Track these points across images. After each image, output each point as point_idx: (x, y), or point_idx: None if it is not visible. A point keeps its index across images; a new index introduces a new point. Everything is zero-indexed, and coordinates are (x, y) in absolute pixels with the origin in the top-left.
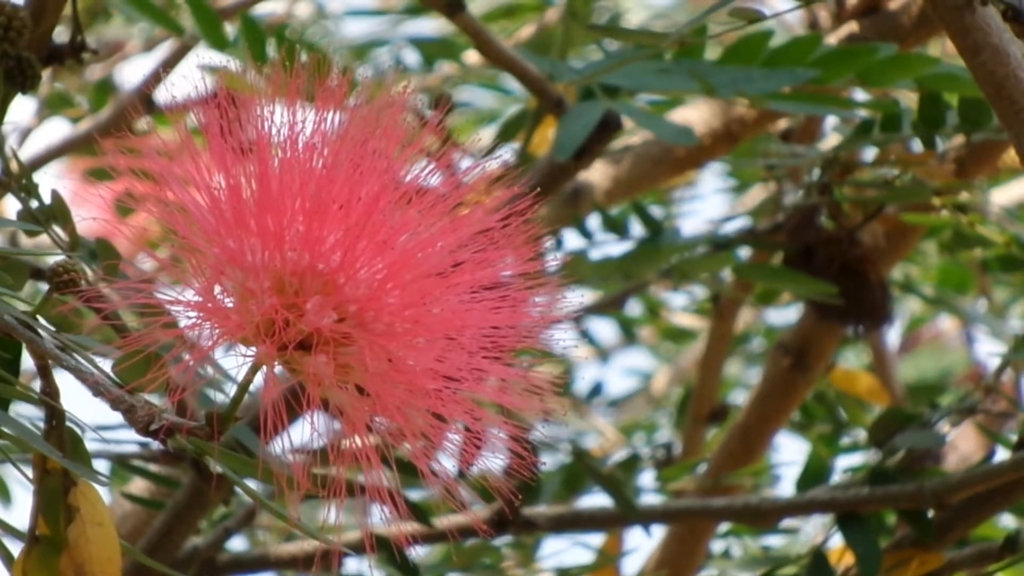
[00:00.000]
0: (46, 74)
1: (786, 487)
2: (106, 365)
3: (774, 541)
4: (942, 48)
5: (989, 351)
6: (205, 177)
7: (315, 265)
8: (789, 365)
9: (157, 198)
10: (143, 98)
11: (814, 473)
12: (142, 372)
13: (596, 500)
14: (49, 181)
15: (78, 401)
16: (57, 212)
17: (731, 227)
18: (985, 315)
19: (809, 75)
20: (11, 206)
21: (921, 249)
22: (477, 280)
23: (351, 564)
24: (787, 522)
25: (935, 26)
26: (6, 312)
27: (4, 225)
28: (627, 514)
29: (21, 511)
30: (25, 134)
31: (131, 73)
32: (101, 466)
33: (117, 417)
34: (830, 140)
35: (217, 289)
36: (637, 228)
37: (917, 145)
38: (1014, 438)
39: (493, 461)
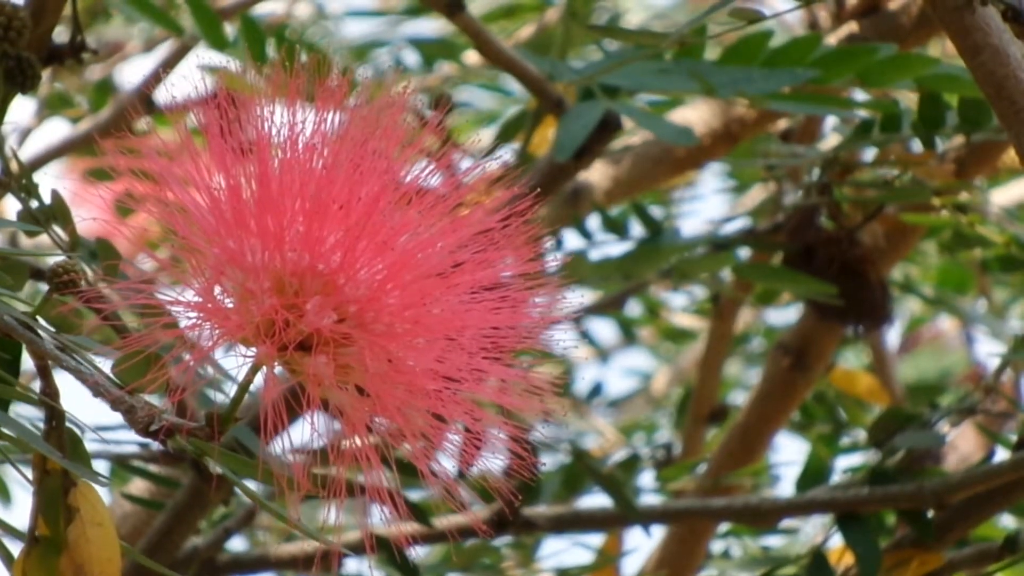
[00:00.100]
0: (46, 74)
1: (786, 487)
2: (106, 366)
3: (774, 541)
4: (942, 48)
5: (989, 351)
6: (205, 177)
7: (315, 265)
8: (789, 365)
9: (157, 198)
10: (143, 98)
11: (814, 473)
12: (142, 373)
13: (596, 500)
14: (49, 181)
15: (78, 401)
16: (57, 212)
17: (731, 227)
18: (985, 315)
19: (809, 75)
20: (11, 206)
21: (921, 249)
22: (477, 280)
23: (351, 564)
24: (787, 522)
25: (935, 26)
26: (6, 312)
27: (4, 225)
28: (627, 514)
29: (21, 511)
30: (25, 134)
31: (131, 73)
32: (101, 467)
33: (117, 417)
34: (830, 140)
35: (217, 289)
36: (637, 228)
37: (917, 145)
38: (1014, 438)
39: (493, 461)
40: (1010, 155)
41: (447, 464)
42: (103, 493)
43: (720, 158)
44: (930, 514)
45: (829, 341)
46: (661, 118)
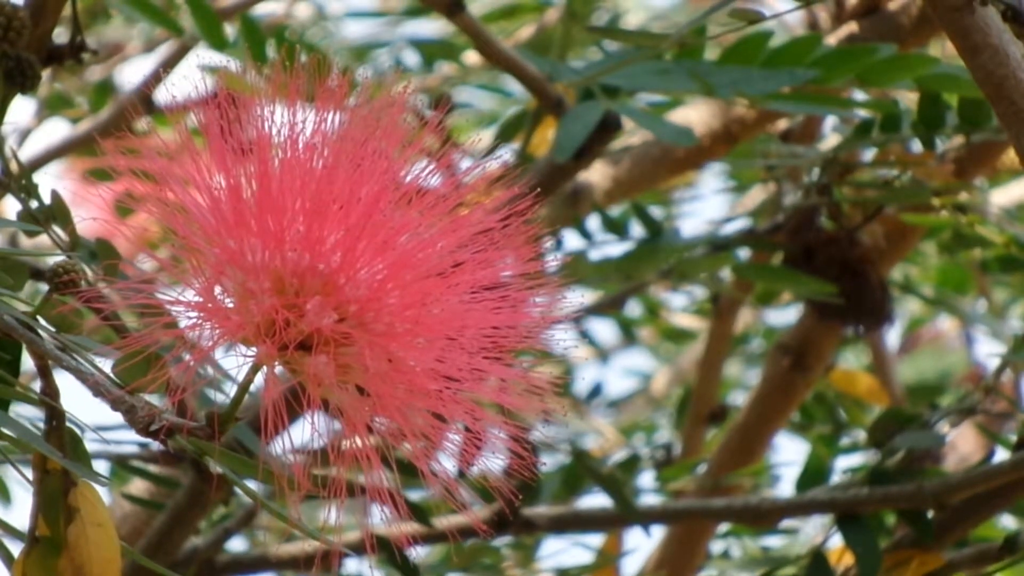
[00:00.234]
0: (46, 74)
1: (786, 487)
2: (106, 366)
3: (774, 541)
4: (942, 49)
5: (988, 352)
6: (205, 177)
7: (315, 265)
8: (789, 365)
9: (157, 198)
10: (143, 98)
11: (814, 473)
12: (142, 372)
13: (596, 500)
14: (49, 181)
15: (78, 401)
16: (57, 212)
17: (731, 227)
18: (984, 316)
19: (809, 75)
20: (11, 206)
21: (921, 249)
22: (477, 280)
23: (351, 565)
24: (787, 522)
25: (935, 27)
26: (6, 312)
27: (4, 225)
28: (627, 514)
29: (21, 511)
30: (25, 134)
31: (131, 74)
32: (101, 467)
33: (117, 417)
34: (829, 140)
35: (217, 289)
36: (637, 229)
37: (916, 145)
38: (1013, 439)
39: (493, 461)
40: (1010, 155)
41: (447, 464)
42: (103, 493)
43: (720, 158)
44: (930, 514)
45: (829, 341)
46: (661, 118)
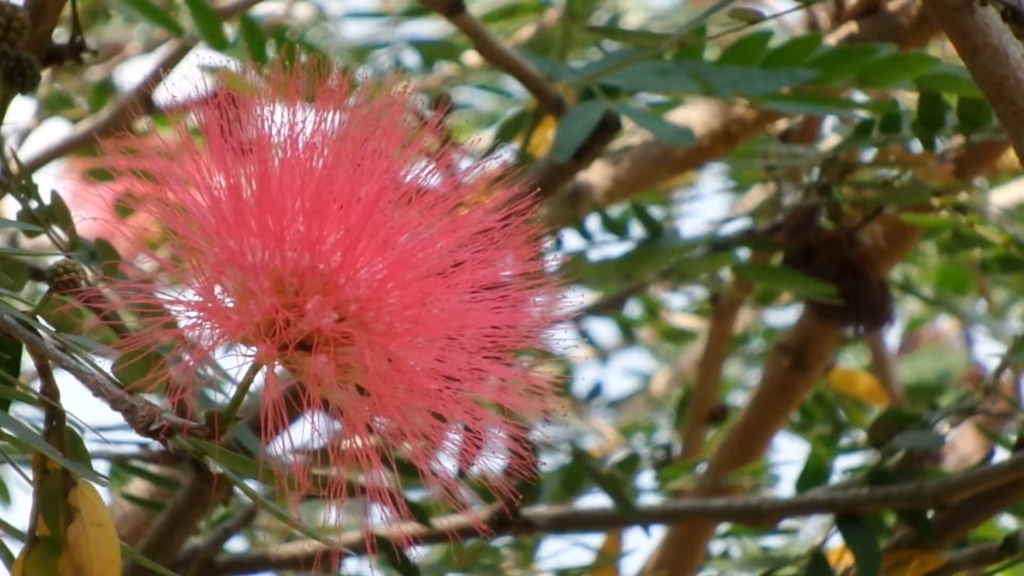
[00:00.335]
0: (46, 74)
1: (785, 488)
2: (106, 365)
3: (773, 542)
4: (942, 49)
5: (988, 352)
6: (205, 177)
7: (315, 265)
8: (788, 366)
9: (157, 198)
10: (143, 98)
11: (813, 474)
12: (142, 372)
13: (595, 501)
14: (49, 182)
15: (78, 401)
16: (57, 213)
17: (731, 228)
18: (984, 316)
19: (808, 76)
20: (11, 206)
21: (920, 250)
22: (477, 280)
23: (351, 565)
24: (786, 522)
25: (935, 27)
26: (6, 312)
27: (4, 226)
28: (626, 514)
29: (21, 511)
30: (25, 134)
31: (131, 74)
32: (101, 467)
33: (117, 417)
34: (829, 141)
35: (217, 289)
36: (637, 229)
37: (916, 146)
38: (1013, 439)
39: (493, 461)
40: (1010, 155)
41: (447, 464)
42: (103, 493)
43: (720, 158)
44: (930, 514)
45: (829, 342)
46: (661, 118)
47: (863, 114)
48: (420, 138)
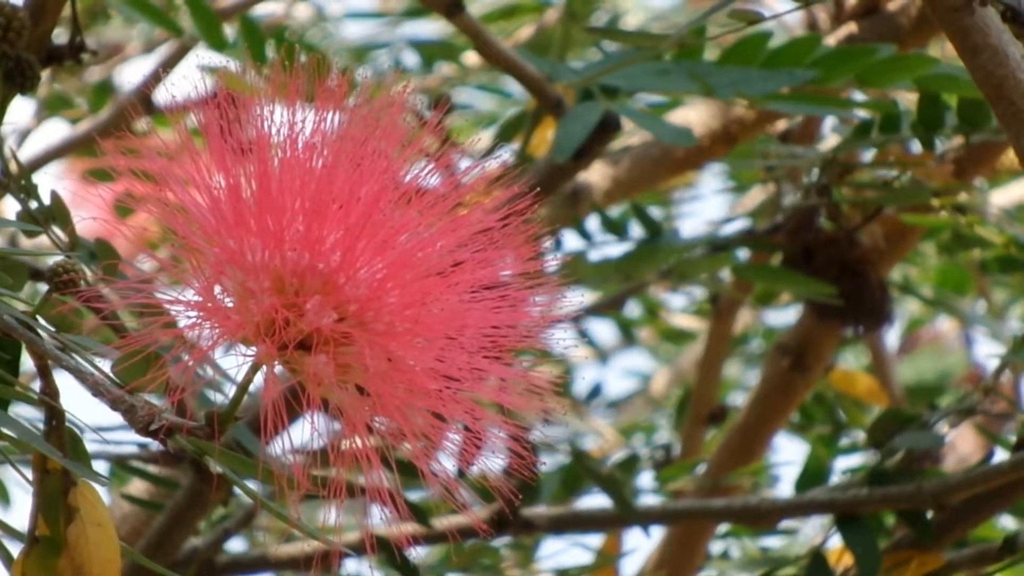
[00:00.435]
0: (45, 75)
1: (785, 488)
2: (106, 365)
3: (773, 542)
4: (941, 50)
5: (988, 352)
6: (205, 177)
7: (315, 265)
8: (788, 366)
9: (157, 198)
10: (143, 99)
11: (813, 474)
12: (142, 372)
13: (595, 501)
14: (48, 182)
15: (78, 401)
16: (56, 213)
17: (730, 228)
18: (984, 316)
19: (808, 76)
20: (11, 206)
21: (920, 250)
22: (477, 280)
23: (351, 565)
24: (786, 523)
25: (934, 27)
26: (6, 312)
27: (4, 226)
28: (626, 515)
29: (21, 511)
30: (25, 135)
31: (131, 74)
32: (101, 467)
33: (117, 417)
34: (829, 141)
35: (217, 289)
36: (636, 229)
37: (916, 146)
38: (1013, 439)
39: (493, 461)
40: (1009, 156)
41: (447, 464)
42: (103, 493)
43: (719, 159)
44: (929, 515)
45: (828, 342)
46: (660, 119)
47: (863, 114)
48: (420, 138)
